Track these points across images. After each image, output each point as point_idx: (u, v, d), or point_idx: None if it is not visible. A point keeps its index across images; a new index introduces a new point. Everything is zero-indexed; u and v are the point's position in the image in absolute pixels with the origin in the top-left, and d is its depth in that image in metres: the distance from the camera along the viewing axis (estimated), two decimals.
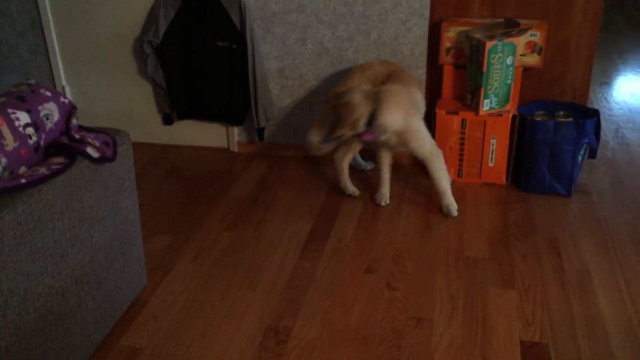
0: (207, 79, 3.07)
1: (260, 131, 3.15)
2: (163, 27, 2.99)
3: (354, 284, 2.24)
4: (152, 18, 3.02)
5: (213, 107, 3.14)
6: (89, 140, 1.79)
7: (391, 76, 2.66)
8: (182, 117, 3.23)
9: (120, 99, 3.34)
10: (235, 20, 2.92)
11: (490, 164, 2.85)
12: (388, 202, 2.76)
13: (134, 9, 3.09)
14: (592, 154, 2.81)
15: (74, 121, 1.81)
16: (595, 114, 2.76)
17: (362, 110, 2.45)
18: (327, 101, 2.71)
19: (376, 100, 2.46)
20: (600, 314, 2.04)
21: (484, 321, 2.03)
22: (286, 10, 2.96)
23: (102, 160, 1.79)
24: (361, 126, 2.48)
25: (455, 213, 2.64)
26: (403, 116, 2.48)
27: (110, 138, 1.87)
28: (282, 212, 2.72)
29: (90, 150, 1.76)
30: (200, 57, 3.03)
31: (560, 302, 2.10)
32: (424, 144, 2.57)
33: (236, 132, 3.29)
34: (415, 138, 2.54)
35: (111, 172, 1.88)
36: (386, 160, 2.75)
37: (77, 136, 1.78)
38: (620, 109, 3.67)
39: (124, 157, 1.94)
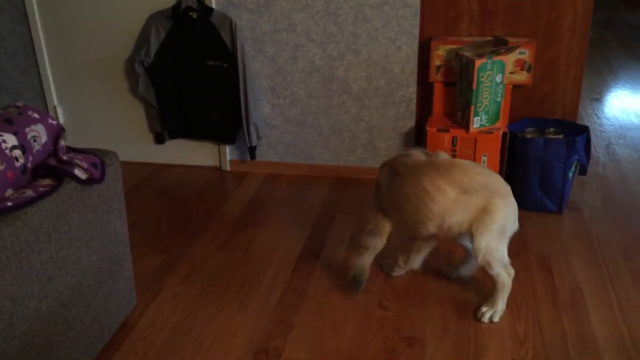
0: (198, 98, 3.07)
1: (252, 150, 3.15)
2: (154, 47, 3.00)
3: (345, 304, 2.22)
4: (143, 38, 3.03)
5: (205, 126, 3.14)
6: (77, 161, 1.78)
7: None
8: (173, 136, 3.22)
9: (112, 119, 3.33)
10: (227, 39, 2.94)
11: None
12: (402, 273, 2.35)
13: (125, 30, 3.11)
14: (583, 170, 2.81)
15: (62, 143, 1.80)
16: (585, 130, 2.77)
17: None
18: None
19: None
20: (593, 332, 2.03)
21: (475, 340, 2.02)
22: (277, 29, 2.97)
23: (89, 181, 1.78)
24: None
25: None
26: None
27: (99, 159, 1.87)
28: (274, 231, 2.71)
29: (78, 172, 1.75)
30: (191, 77, 3.03)
31: (552, 321, 2.09)
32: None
33: (228, 151, 3.28)
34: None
35: (99, 194, 1.87)
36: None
37: (65, 158, 1.77)
38: (611, 125, 3.69)
39: (112, 178, 1.93)
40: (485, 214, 1.97)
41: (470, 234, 2.00)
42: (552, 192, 2.73)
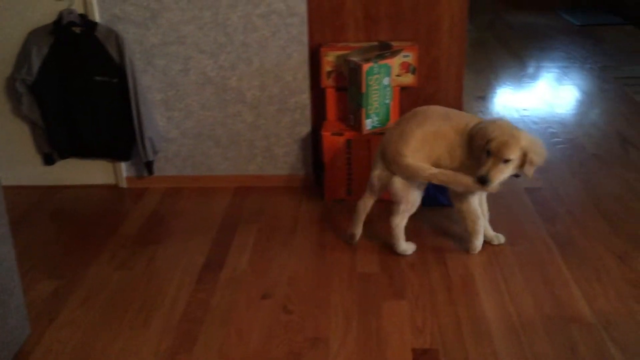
0: (87, 115, 2.98)
1: (149, 165, 3.09)
2: (36, 64, 2.88)
3: (250, 311, 2.23)
4: (23, 56, 2.90)
5: (96, 143, 3.05)
6: None
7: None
8: (64, 156, 3.11)
9: None
10: (114, 54, 2.87)
11: None
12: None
13: (3, 48, 2.96)
14: None
15: None
16: None
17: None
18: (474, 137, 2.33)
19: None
20: (484, 315, 2.16)
21: (377, 334, 2.09)
22: (166, 42, 2.94)
23: None
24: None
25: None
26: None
27: None
28: (175, 245, 2.68)
29: None
30: (78, 94, 2.94)
31: (447, 308, 2.20)
32: None
33: (124, 168, 3.20)
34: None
35: None
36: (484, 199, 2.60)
37: None
38: None
39: None
40: None
41: None
42: (444, 187, 2.86)
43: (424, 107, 2.53)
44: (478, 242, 2.51)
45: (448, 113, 2.48)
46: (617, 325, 2.08)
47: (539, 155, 2.27)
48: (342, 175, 2.96)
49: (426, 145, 2.41)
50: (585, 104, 4.19)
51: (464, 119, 2.43)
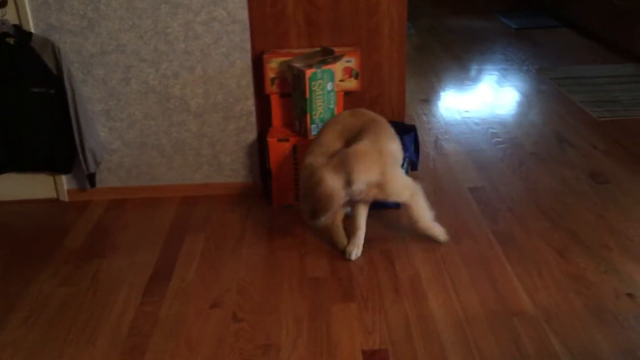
0: (25, 128, 2.89)
1: (91, 177, 3.02)
2: None
3: (199, 321, 2.21)
4: None
5: (35, 156, 2.96)
6: None
7: (363, 129, 2.52)
8: (1, 171, 3.00)
9: None
10: (50, 64, 2.80)
11: None
12: (359, 254, 2.58)
13: None
14: (414, 166, 3.03)
15: None
16: (412, 129, 2.99)
17: (339, 193, 2.35)
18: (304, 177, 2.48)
19: (344, 167, 2.36)
20: (432, 313, 2.20)
21: (328, 337, 2.10)
22: (104, 51, 2.89)
23: None
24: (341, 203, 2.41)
25: (445, 237, 2.64)
26: (376, 171, 2.40)
27: None
28: (121, 258, 2.62)
29: None
30: (14, 106, 2.85)
31: (396, 308, 2.24)
32: (402, 191, 2.52)
33: (65, 181, 3.12)
34: (392, 187, 2.47)
35: None
36: (363, 211, 2.61)
37: None
38: (438, 122, 4.01)
39: None
40: None
41: None
42: None
43: (346, 112, 2.67)
44: (350, 248, 2.59)
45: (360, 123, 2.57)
46: (558, 317, 2.16)
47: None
48: (289, 180, 2.96)
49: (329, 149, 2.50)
50: (524, 104, 4.33)
51: (367, 133, 2.51)
